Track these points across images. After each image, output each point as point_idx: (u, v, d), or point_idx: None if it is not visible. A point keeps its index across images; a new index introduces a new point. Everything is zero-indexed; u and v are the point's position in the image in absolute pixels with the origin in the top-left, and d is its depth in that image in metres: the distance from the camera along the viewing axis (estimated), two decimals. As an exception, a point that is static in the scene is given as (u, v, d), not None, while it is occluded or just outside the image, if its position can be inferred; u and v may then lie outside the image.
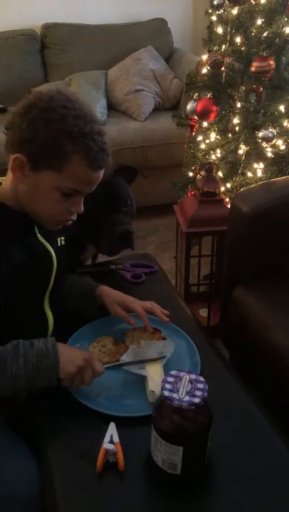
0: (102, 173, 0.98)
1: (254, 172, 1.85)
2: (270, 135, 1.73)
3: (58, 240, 1.12)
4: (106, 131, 0.97)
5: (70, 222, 1.02)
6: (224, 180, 1.93)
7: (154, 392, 0.96)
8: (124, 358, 1.06)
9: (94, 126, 0.93)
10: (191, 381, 0.81)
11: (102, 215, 1.27)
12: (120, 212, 1.29)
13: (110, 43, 3.02)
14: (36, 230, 1.04)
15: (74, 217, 1.01)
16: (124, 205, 1.31)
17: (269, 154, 1.80)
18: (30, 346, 0.91)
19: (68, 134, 0.89)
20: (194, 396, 0.78)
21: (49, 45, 3.00)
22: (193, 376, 0.83)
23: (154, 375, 1.00)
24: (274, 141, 1.76)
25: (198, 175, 1.84)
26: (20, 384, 0.88)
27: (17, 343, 0.91)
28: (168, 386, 0.80)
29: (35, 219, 1.01)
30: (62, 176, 0.92)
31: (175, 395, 0.78)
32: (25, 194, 0.96)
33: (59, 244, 1.12)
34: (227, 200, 1.86)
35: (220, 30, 1.92)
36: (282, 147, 1.79)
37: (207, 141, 2.08)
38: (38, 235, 1.04)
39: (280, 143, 1.79)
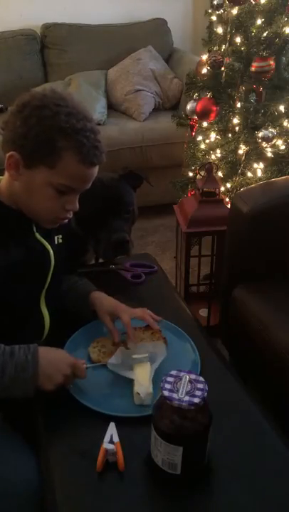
0: (95, 170, 0.98)
1: (254, 172, 1.85)
2: (270, 135, 1.73)
3: (56, 238, 1.12)
4: (101, 130, 0.98)
5: (66, 220, 1.02)
6: (224, 180, 1.93)
7: (138, 394, 0.94)
8: (113, 359, 1.04)
9: (87, 124, 0.93)
10: (190, 381, 0.81)
11: (103, 219, 1.26)
12: (120, 219, 1.28)
13: (110, 43, 3.02)
14: (34, 229, 1.04)
15: (70, 215, 1.01)
16: (126, 212, 1.30)
17: (269, 154, 1.80)
18: (11, 356, 0.89)
19: (61, 130, 0.90)
20: (194, 396, 0.78)
21: (49, 45, 3.00)
22: (193, 376, 0.83)
23: (141, 377, 0.98)
24: (274, 141, 1.76)
25: (198, 175, 1.84)
26: None
27: None
28: (168, 386, 0.80)
29: (31, 217, 1.01)
30: (55, 172, 0.92)
31: (175, 395, 0.78)
32: (21, 192, 0.97)
33: (56, 243, 1.12)
34: (227, 200, 1.86)
35: (220, 30, 1.93)
36: (282, 147, 1.79)
37: (207, 141, 2.08)
38: (36, 234, 1.05)
39: (280, 143, 1.79)
